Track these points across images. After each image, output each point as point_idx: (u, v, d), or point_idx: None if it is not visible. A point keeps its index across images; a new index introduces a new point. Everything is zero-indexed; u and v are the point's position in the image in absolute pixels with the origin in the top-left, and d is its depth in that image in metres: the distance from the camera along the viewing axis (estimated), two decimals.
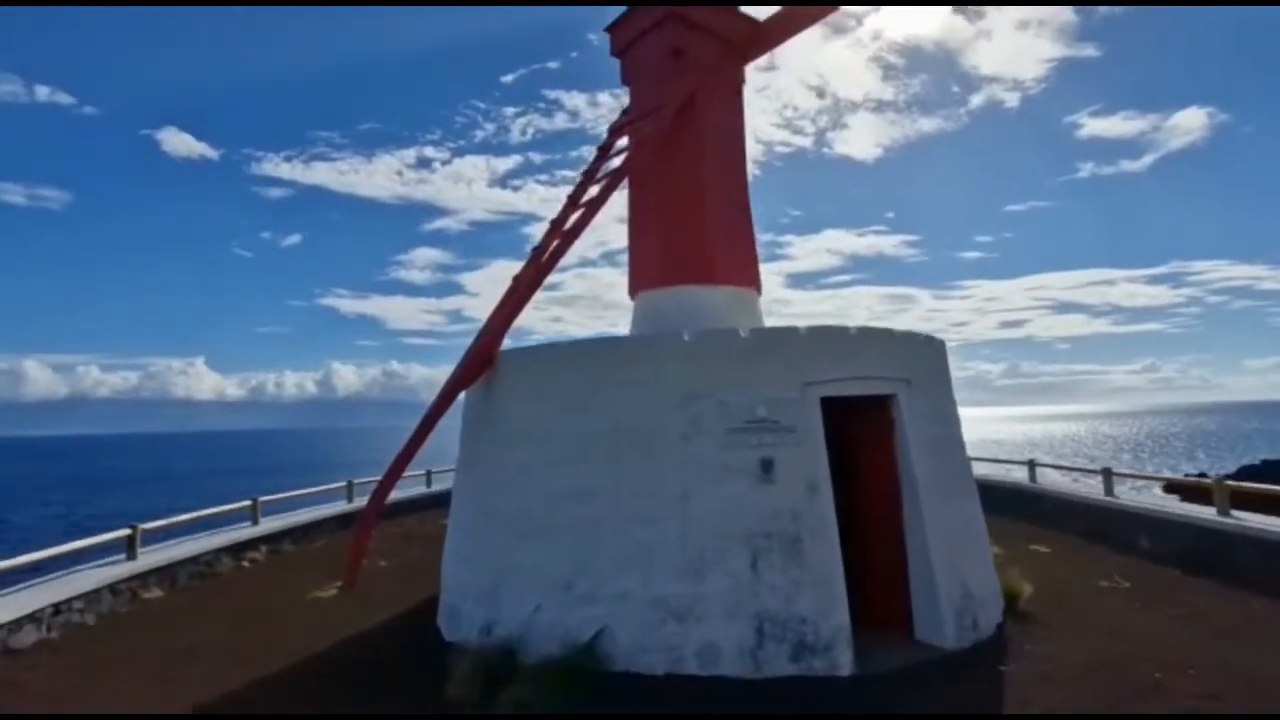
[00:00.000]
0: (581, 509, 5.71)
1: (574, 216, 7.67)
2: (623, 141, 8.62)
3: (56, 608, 7.46)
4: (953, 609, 5.82)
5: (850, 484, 6.26)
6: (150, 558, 9.01)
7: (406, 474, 14.65)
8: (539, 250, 7.81)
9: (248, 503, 11.30)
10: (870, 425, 6.31)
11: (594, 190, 7.93)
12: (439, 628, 7.02)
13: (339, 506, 13.47)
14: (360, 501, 13.91)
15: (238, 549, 10.40)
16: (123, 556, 8.92)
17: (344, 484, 14.26)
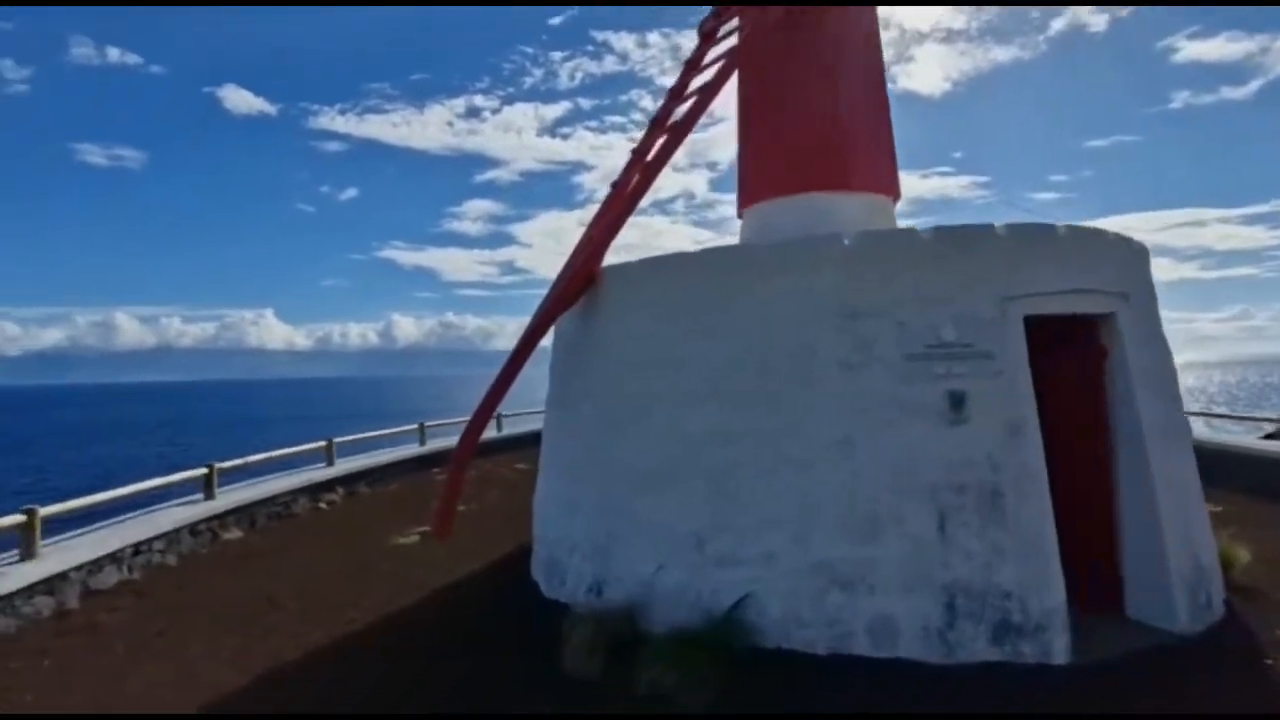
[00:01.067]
0: (716, 453, 4.69)
1: (682, 108, 6.42)
2: (733, 23, 7.22)
3: (137, 548, 7.06)
4: (1184, 584, 4.59)
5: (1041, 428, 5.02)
6: (228, 498, 8.59)
7: (460, 419, 13.94)
8: (640, 151, 6.63)
9: (322, 443, 10.86)
10: (1072, 354, 5.00)
11: (704, 77, 6.62)
12: (535, 581, 6.25)
13: (412, 449, 13.01)
14: (434, 444, 13.46)
15: (314, 490, 9.97)
16: (200, 496, 8.56)
17: (416, 426, 13.80)
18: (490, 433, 14.99)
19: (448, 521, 5.54)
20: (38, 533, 6.31)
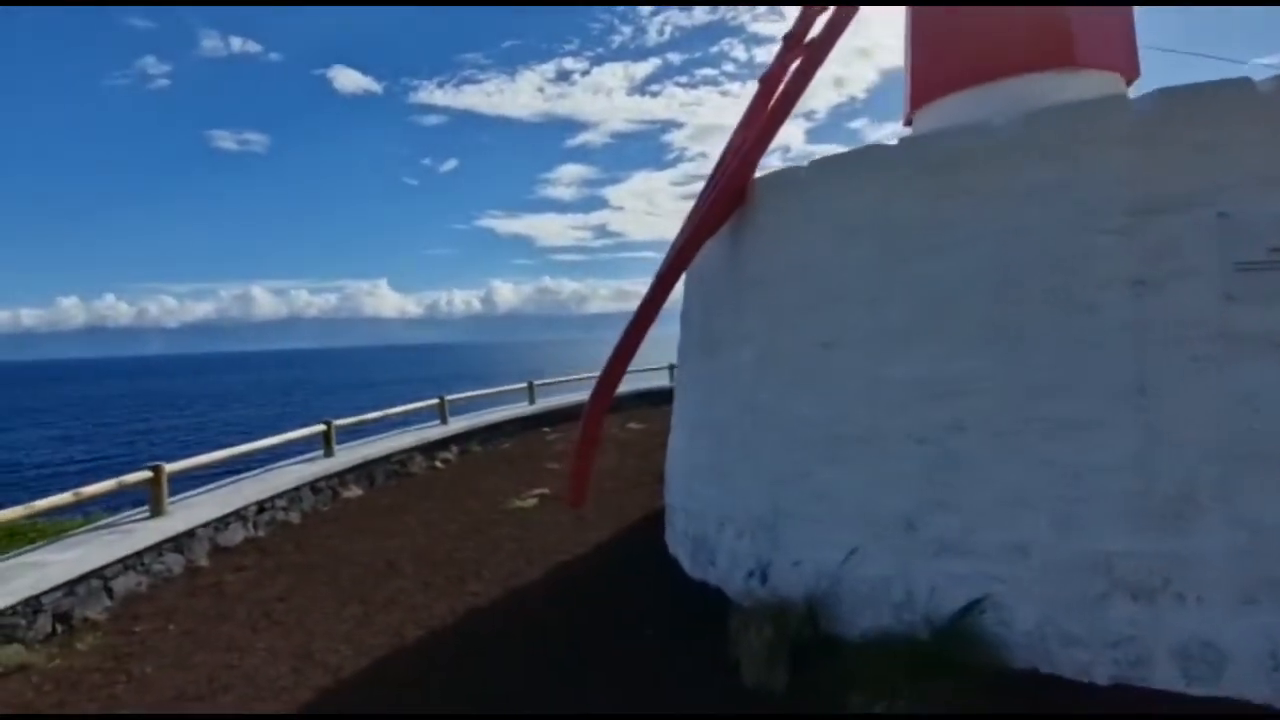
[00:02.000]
0: (933, 409, 3.51)
1: None
2: None
3: (260, 505, 6.86)
4: None
5: None
6: (347, 455, 8.36)
7: (568, 377, 13.26)
8: (792, 37, 5.36)
9: (435, 401, 10.57)
10: None
11: None
12: (674, 557, 5.39)
13: (521, 408, 12.58)
14: (543, 403, 12.98)
15: (429, 449, 9.66)
16: (320, 453, 8.39)
17: (524, 385, 13.38)
18: (575, 394, 14.37)
19: (583, 486, 4.74)
20: (165, 489, 6.15)
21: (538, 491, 7.54)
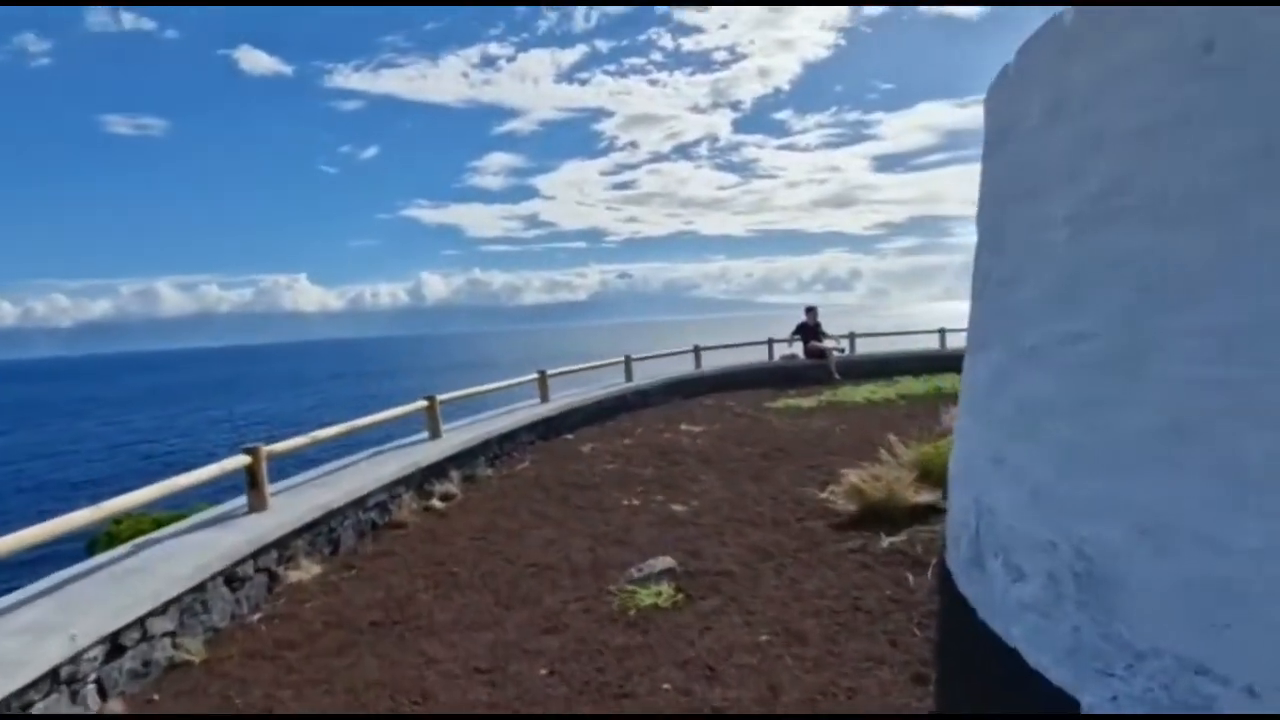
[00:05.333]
0: None
1: None
2: None
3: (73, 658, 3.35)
4: None
5: None
6: (291, 507, 4.83)
7: (575, 367, 10.00)
8: None
9: (420, 404, 7.05)
10: None
11: None
12: (962, 594, 2.36)
13: (531, 409, 9.17)
14: (559, 400, 9.57)
15: (420, 480, 6.21)
16: (243, 505, 4.85)
17: (534, 376, 9.92)
18: (599, 387, 11.08)
19: None
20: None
21: (648, 561, 4.23)
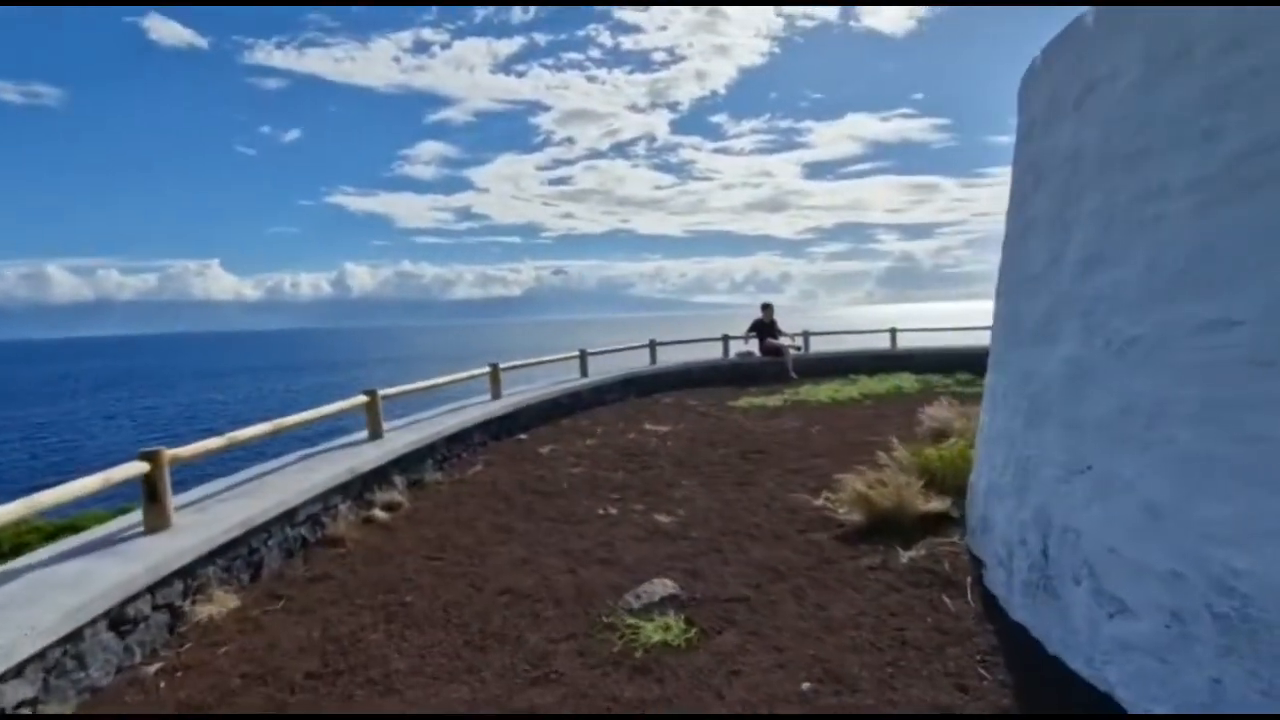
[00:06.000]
0: None
1: None
2: None
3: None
4: None
5: None
6: (197, 527, 3.95)
7: (525, 361, 9.39)
8: None
9: (360, 400, 6.17)
10: None
11: None
12: (994, 594, 2.03)
13: (482, 406, 8.39)
14: (512, 397, 8.77)
15: (359, 487, 5.40)
16: (137, 528, 3.92)
17: (486, 370, 9.09)
18: (547, 383, 10.40)
19: None
20: None
21: (643, 585, 3.63)
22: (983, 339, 14.63)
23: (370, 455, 5.59)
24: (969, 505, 4.16)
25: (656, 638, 3.06)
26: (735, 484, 5.65)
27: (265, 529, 4.20)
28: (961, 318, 15.98)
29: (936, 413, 7.10)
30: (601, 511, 5.07)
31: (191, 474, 4.84)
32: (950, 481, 4.62)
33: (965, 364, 12.37)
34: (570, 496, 5.55)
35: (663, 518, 4.85)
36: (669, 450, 7.06)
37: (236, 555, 3.96)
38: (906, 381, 11.22)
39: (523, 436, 8.17)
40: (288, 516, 4.43)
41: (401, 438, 6.24)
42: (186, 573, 3.57)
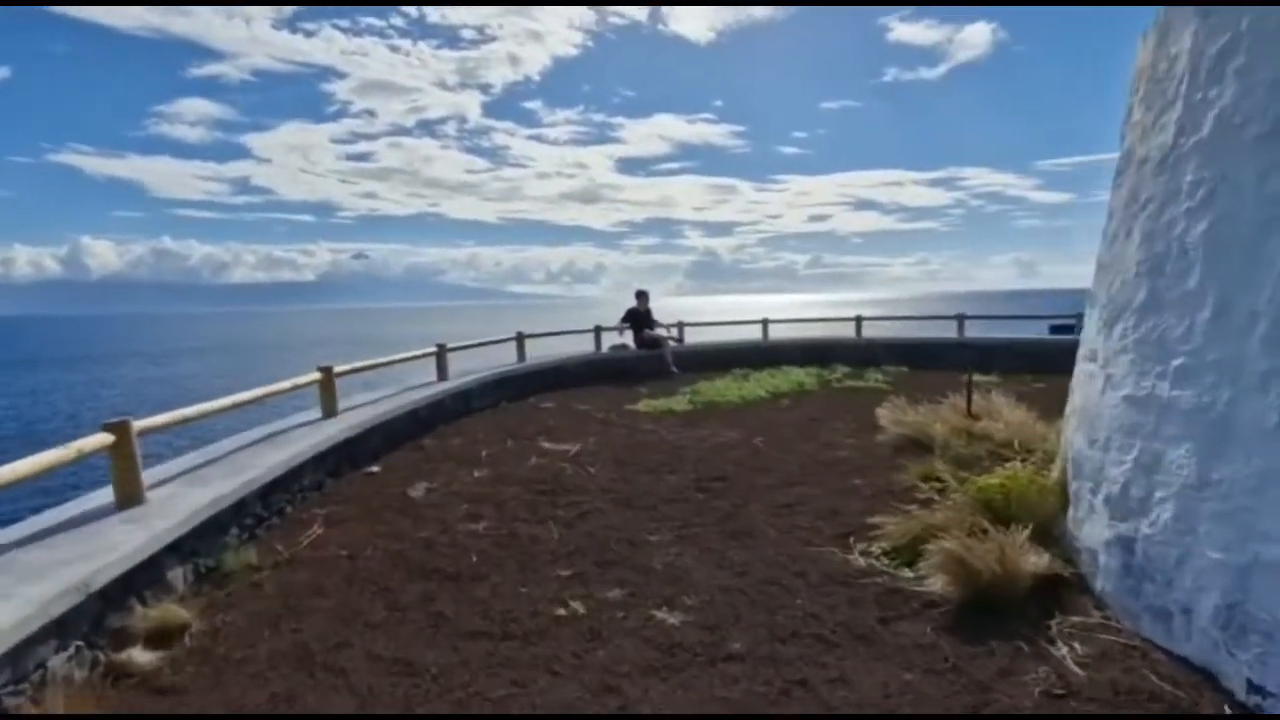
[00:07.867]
0: None
1: None
2: None
3: None
4: None
5: None
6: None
7: (366, 363, 7.50)
8: None
9: (169, 419, 3.58)
10: None
11: None
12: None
13: (309, 425, 5.89)
14: (351, 415, 6.31)
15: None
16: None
17: (315, 377, 6.49)
18: (393, 390, 8.12)
19: None
20: None
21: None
22: (829, 330, 14.76)
23: (120, 540, 3.10)
24: (1101, 559, 3.02)
25: None
26: (724, 535, 4.08)
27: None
28: (763, 310, 18.41)
29: (900, 416, 6.17)
30: (561, 611, 3.19)
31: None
32: (1034, 522, 3.49)
33: (837, 356, 12.09)
34: (490, 579, 3.57)
35: (665, 615, 3.11)
36: (595, 481, 5.28)
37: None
38: (800, 376, 10.49)
39: (375, 469, 5.84)
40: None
41: (181, 501, 3.74)
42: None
